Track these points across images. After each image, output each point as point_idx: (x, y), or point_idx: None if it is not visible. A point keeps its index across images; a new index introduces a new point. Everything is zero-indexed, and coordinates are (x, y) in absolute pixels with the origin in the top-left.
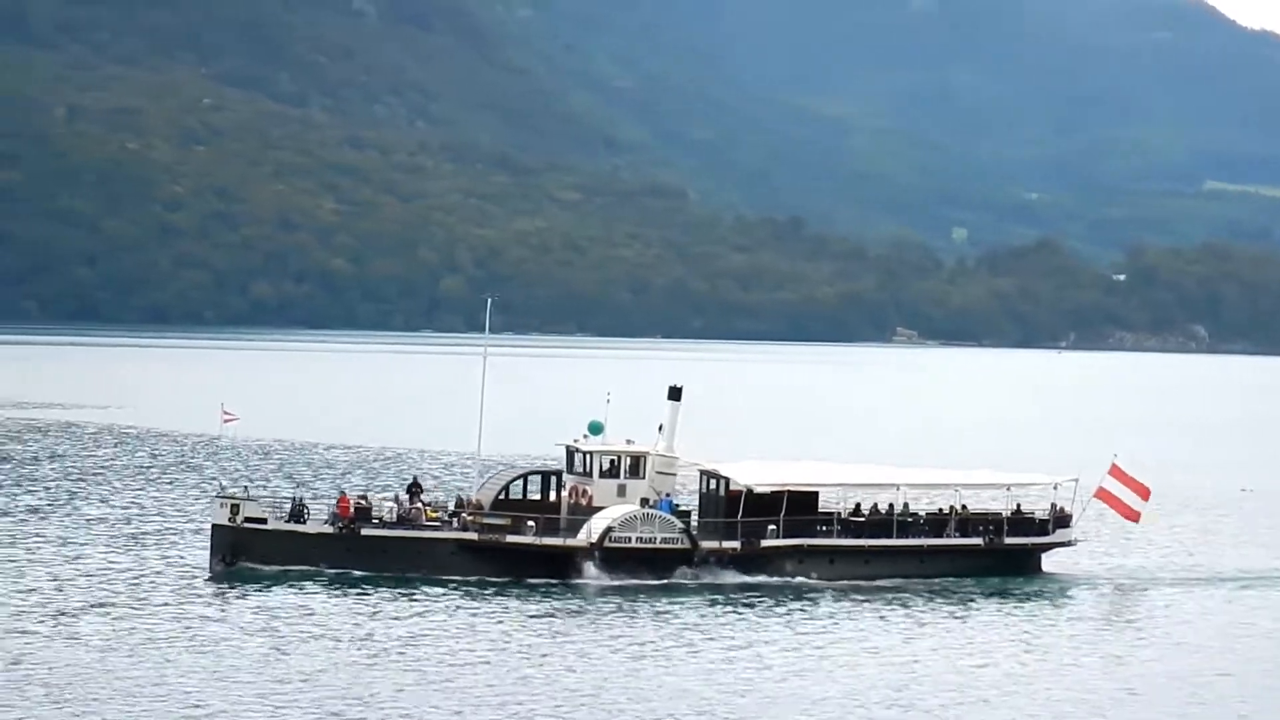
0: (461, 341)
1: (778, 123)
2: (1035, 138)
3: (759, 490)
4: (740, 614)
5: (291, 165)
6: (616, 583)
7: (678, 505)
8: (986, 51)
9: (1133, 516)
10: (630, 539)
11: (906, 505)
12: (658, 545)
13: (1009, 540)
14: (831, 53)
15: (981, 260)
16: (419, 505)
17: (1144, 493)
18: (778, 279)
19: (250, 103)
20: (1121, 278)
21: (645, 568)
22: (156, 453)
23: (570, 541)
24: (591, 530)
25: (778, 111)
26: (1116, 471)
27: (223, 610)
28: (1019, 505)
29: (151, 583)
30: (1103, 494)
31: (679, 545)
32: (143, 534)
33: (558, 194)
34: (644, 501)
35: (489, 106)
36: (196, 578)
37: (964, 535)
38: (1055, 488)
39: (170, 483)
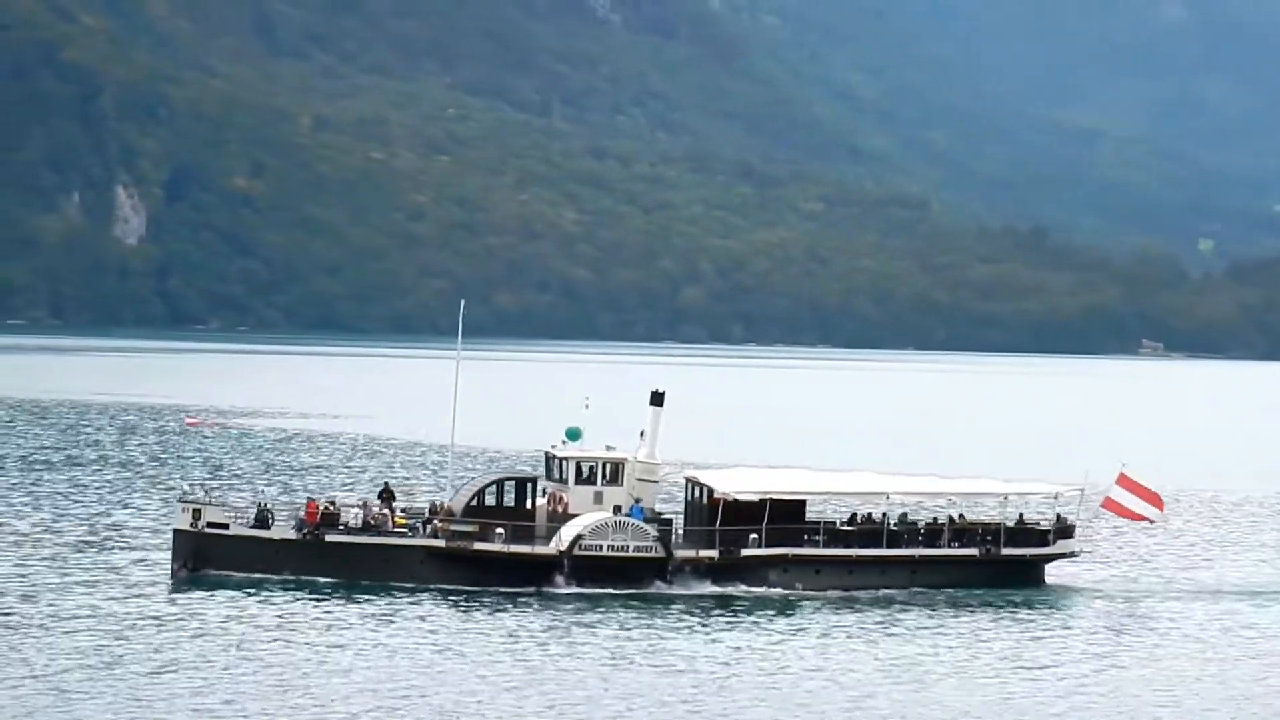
0: (702, 352)
1: (1022, 132)
2: None
3: (739, 498)
4: (706, 625)
5: (533, 175)
6: (587, 592)
7: (660, 514)
8: (1238, 62)
9: (1143, 519)
10: (601, 547)
11: (904, 515)
12: (630, 554)
13: (1007, 551)
14: (1079, 63)
15: (1228, 272)
16: (386, 511)
17: (1155, 501)
18: (1021, 290)
19: (493, 112)
20: None
21: (617, 577)
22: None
23: (539, 550)
24: (562, 538)
25: (1023, 121)
26: (1125, 480)
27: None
28: (1021, 515)
29: (109, 589)
30: (1110, 504)
31: (653, 554)
32: None
33: (801, 204)
34: (617, 509)
35: (732, 116)
36: (157, 584)
37: (961, 546)
38: (1057, 497)
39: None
